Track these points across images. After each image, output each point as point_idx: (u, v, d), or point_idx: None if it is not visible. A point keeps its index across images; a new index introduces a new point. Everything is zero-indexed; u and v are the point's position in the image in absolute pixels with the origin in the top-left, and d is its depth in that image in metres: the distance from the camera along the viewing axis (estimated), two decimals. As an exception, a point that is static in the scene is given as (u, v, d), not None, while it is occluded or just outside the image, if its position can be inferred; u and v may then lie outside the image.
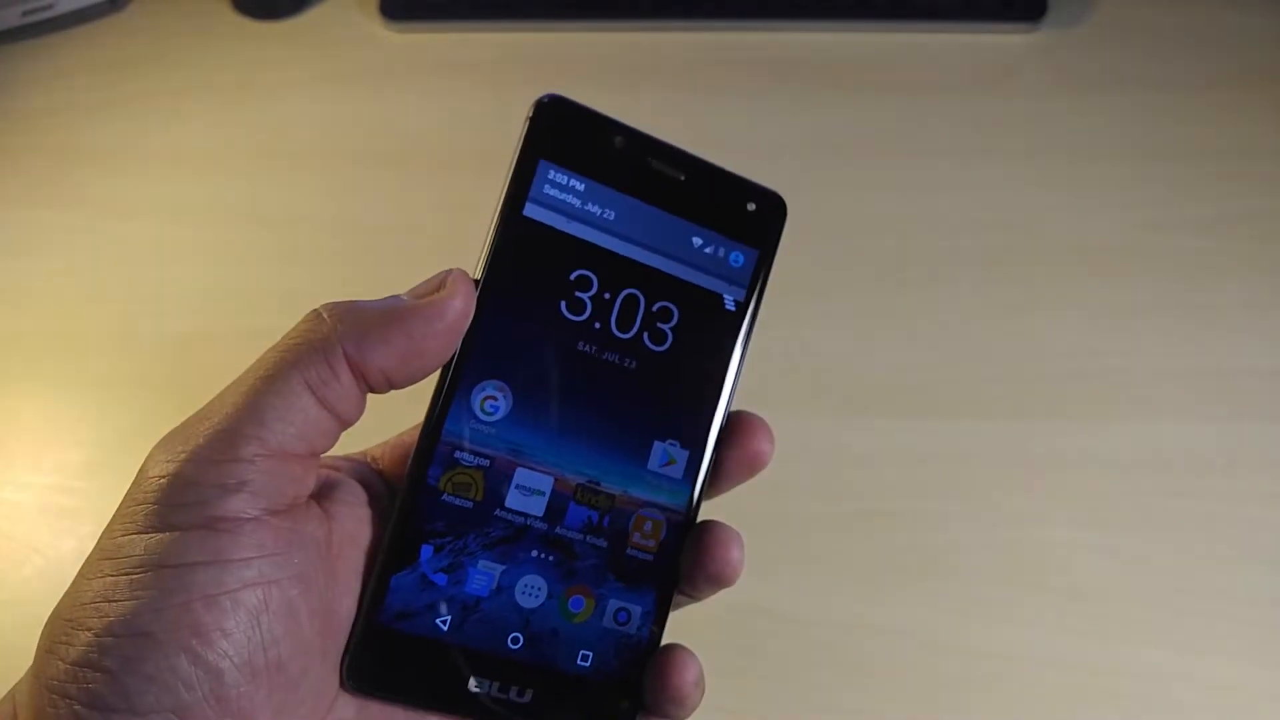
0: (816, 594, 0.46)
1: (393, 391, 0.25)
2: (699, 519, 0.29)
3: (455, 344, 0.25)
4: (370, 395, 0.25)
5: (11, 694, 0.22)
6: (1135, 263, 0.54)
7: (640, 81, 0.61)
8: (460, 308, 0.25)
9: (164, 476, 0.22)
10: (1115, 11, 0.63)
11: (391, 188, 0.58)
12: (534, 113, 0.27)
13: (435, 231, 0.56)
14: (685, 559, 0.28)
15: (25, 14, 0.63)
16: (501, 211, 0.27)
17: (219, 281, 0.55)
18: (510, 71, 0.62)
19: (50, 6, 0.63)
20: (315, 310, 0.24)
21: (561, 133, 0.27)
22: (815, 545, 0.47)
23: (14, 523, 0.48)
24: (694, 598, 0.29)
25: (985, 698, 0.43)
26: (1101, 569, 0.46)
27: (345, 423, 0.24)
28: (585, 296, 0.28)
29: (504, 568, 0.27)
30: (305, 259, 0.56)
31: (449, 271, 0.26)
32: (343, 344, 0.23)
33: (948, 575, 0.46)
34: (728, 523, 0.28)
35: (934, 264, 0.54)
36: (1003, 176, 0.57)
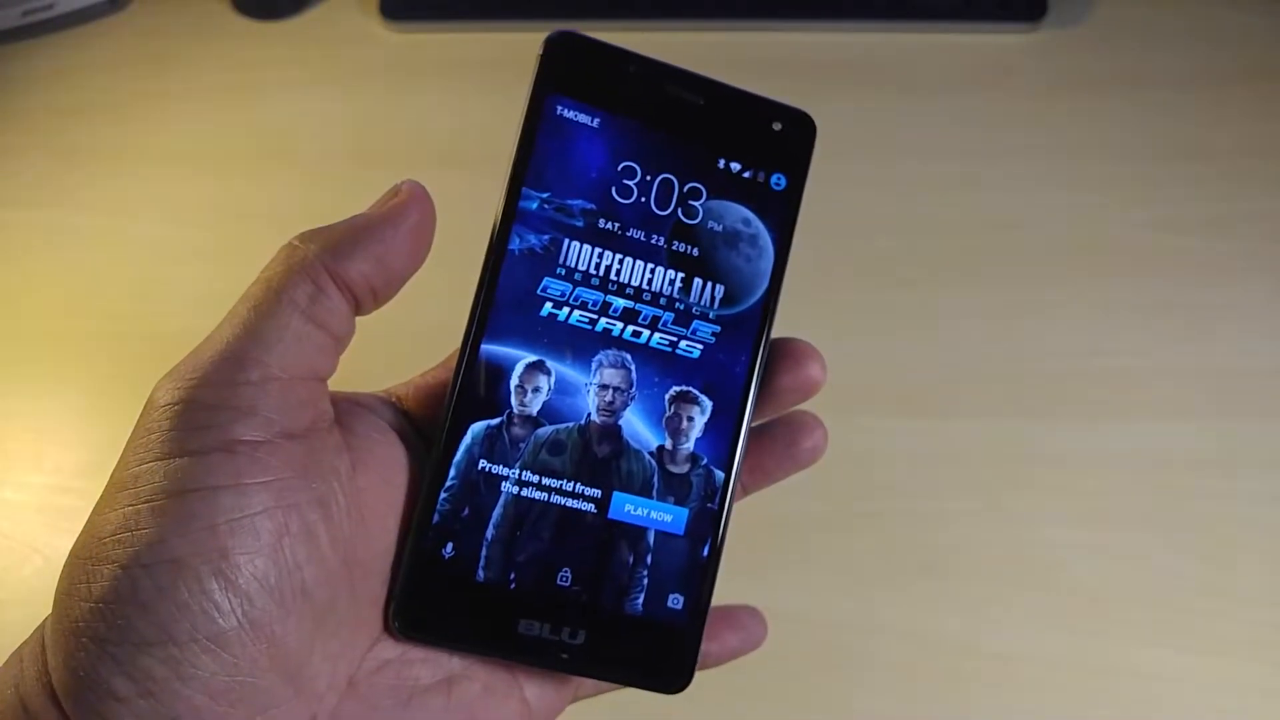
0: (816, 594, 0.45)
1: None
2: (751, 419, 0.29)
3: (426, 244, 0.26)
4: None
5: (40, 629, 0.22)
6: (1136, 263, 0.54)
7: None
8: (421, 208, 0.25)
9: (176, 403, 0.22)
10: (1115, 11, 0.63)
11: (391, 188, 0.58)
12: (544, 50, 0.27)
13: (435, 231, 0.56)
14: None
15: (25, 14, 0.63)
16: (518, 151, 0.27)
17: (219, 281, 0.55)
18: (510, 71, 0.61)
19: (50, 6, 0.63)
20: (287, 242, 0.25)
21: (574, 68, 0.27)
22: (815, 545, 0.46)
23: (14, 523, 0.48)
24: (763, 481, 0.30)
25: (985, 698, 0.43)
26: (1101, 569, 0.45)
27: (339, 339, 0.24)
28: (612, 227, 0.27)
29: (552, 499, 0.27)
30: (305, 259, 0.56)
31: (401, 182, 0.26)
32: (321, 260, 0.24)
33: (948, 575, 0.46)
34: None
35: (933, 264, 0.54)
36: (1003, 176, 0.57)
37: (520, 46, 0.63)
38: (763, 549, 0.46)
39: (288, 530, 0.22)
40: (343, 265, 0.24)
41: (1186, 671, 0.43)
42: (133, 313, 0.54)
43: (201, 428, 0.21)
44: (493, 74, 0.61)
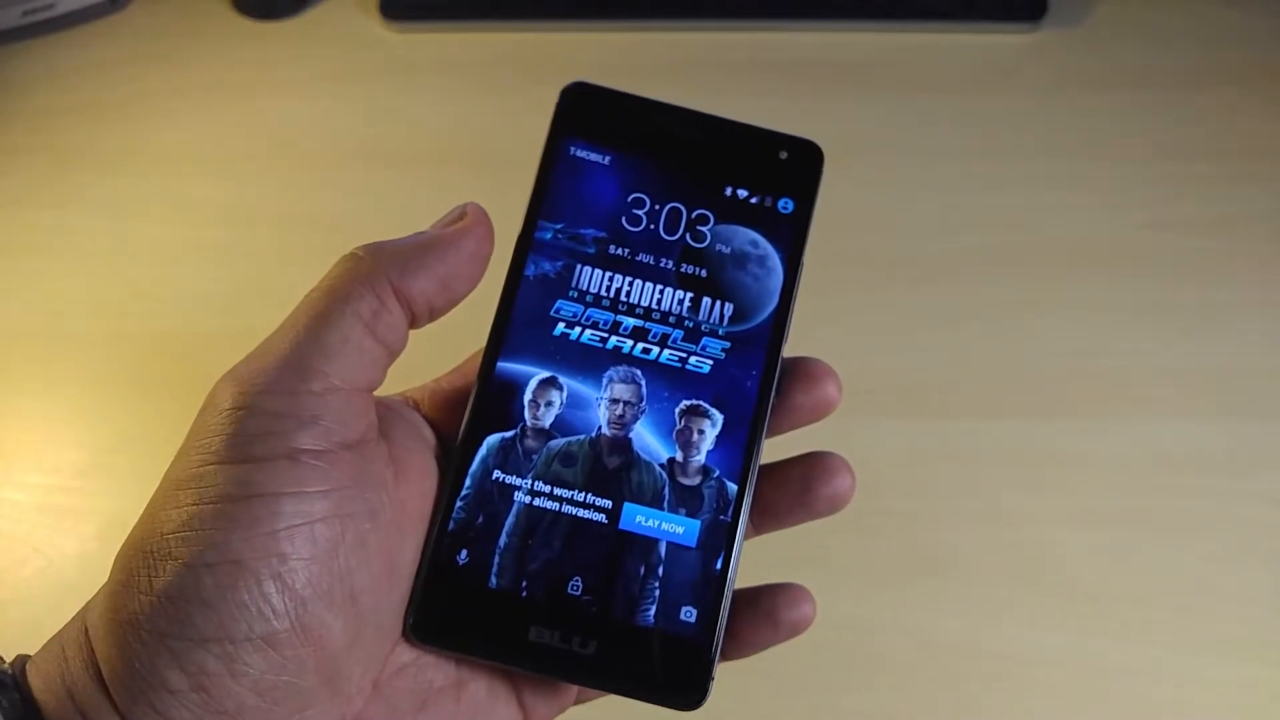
0: (817, 594, 0.45)
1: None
2: (763, 449, 0.28)
3: (483, 269, 0.26)
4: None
5: (81, 619, 0.22)
6: (1135, 263, 0.54)
7: (640, 82, 0.60)
8: (484, 233, 0.26)
9: (241, 408, 0.22)
10: (1115, 11, 0.63)
11: (391, 188, 0.58)
12: (560, 100, 0.29)
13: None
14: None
15: (25, 14, 0.63)
16: (535, 190, 0.29)
17: (219, 281, 0.55)
18: (510, 71, 0.62)
19: (50, 6, 0.63)
20: (349, 253, 0.25)
21: (589, 116, 0.29)
22: (816, 545, 0.46)
23: (14, 523, 0.48)
24: (773, 524, 0.29)
25: (985, 698, 0.43)
26: (1102, 569, 0.46)
27: (394, 354, 0.25)
28: (622, 253, 0.29)
29: (563, 509, 0.27)
30: (305, 259, 0.55)
31: (465, 205, 0.27)
32: (388, 274, 0.24)
33: (948, 575, 0.46)
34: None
35: (934, 264, 0.54)
36: (1003, 176, 0.57)
37: (520, 46, 0.64)
38: (762, 549, 0.45)
39: (343, 539, 0.22)
40: (407, 281, 0.24)
41: (1186, 671, 0.43)
42: (133, 313, 0.54)
43: (265, 435, 0.22)
44: (492, 74, 0.62)
